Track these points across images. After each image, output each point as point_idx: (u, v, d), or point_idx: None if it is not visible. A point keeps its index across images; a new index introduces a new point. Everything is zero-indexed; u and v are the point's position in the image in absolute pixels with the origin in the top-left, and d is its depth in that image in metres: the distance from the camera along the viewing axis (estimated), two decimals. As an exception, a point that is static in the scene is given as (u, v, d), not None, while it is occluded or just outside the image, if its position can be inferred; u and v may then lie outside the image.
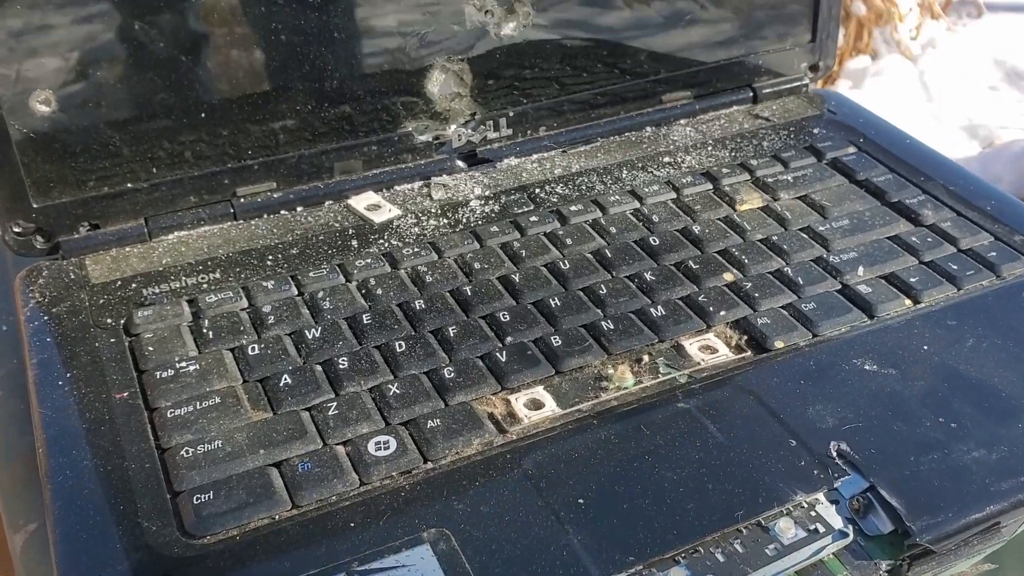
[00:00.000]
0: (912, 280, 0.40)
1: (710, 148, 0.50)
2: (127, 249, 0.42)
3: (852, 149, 0.50)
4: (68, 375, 0.35)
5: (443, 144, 0.47)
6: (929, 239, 0.43)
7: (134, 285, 0.40)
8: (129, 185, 0.42)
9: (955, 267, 0.41)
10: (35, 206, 0.40)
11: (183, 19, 0.40)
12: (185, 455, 0.32)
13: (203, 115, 0.42)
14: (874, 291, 0.40)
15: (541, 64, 0.48)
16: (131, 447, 0.32)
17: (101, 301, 0.39)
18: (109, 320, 0.38)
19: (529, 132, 0.49)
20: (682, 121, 0.52)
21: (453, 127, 0.47)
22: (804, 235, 0.43)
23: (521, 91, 0.48)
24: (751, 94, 0.53)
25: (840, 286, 0.40)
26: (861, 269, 0.41)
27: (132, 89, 0.40)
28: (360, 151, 0.46)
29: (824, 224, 0.44)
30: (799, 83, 0.54)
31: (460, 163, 0.48)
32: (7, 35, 0.37)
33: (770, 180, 0.47)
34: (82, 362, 0.36)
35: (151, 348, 0.36)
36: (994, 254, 0.42)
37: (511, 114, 0.48)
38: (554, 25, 0.47)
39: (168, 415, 0.34)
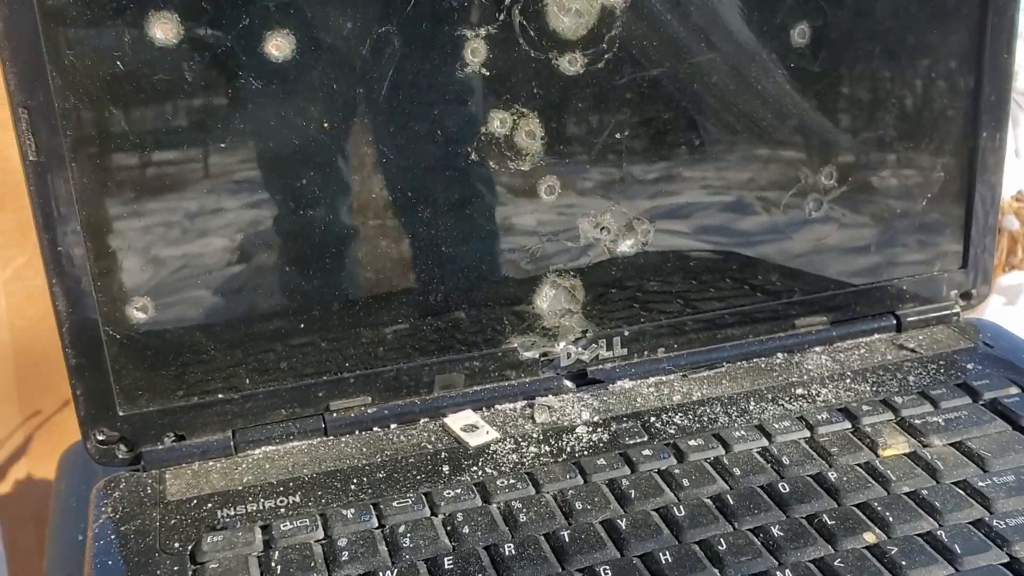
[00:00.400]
0: (1101, 558, 0.34)
1: (848, 381, 0.45)
2: (210, 463, 0.40)
3: (1014, 390, 0.44)
4: (120, 606, 0.32)
5: (551, 362, 0.44)
6: (1118, 506, 0.36)
7: (210, 505, 0.37)
8: (220, 396, 0.40)
9: None
10: (121, 414, 0.39)
11: (285, 232, 0.39)
12: None
13: (301, 325, 0.40)
14: (1053, 570, 0.33)
15: (661, 281, 0.45)
16: None
17: (172, 521, 0.36)
18: (177, 544, 0.35)
19: (646, 353, 0.45)
20: (817, 348, 0.47)
21: (562, 344, 0.44)
22: (960, 491, 0.37)
23: (638, 309, 0.45)
24: (894, 322, 0.49)
25: (1007, 559, 0.34)
26: (1033, 539, 0.35)
27: (230, 299, 0.39)
28: (461, 366, 0.43)
29: (984, 479, 0.38)
30: (949, 311, 0.49)
31: (568, 383, 0.44)
32: (111, 241, 0.37)
33: (917, 422, 0.41)
34: (138, 591, 0.33)
35: (213, 582, 0.33)
36: None
37: (626, 333, 0.45)
38: (676, 241, 0.45)
39: (216, 667, 0.30)
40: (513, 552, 0.34)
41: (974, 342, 0.48)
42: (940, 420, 0.41)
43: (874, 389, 0.44)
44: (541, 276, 0.43)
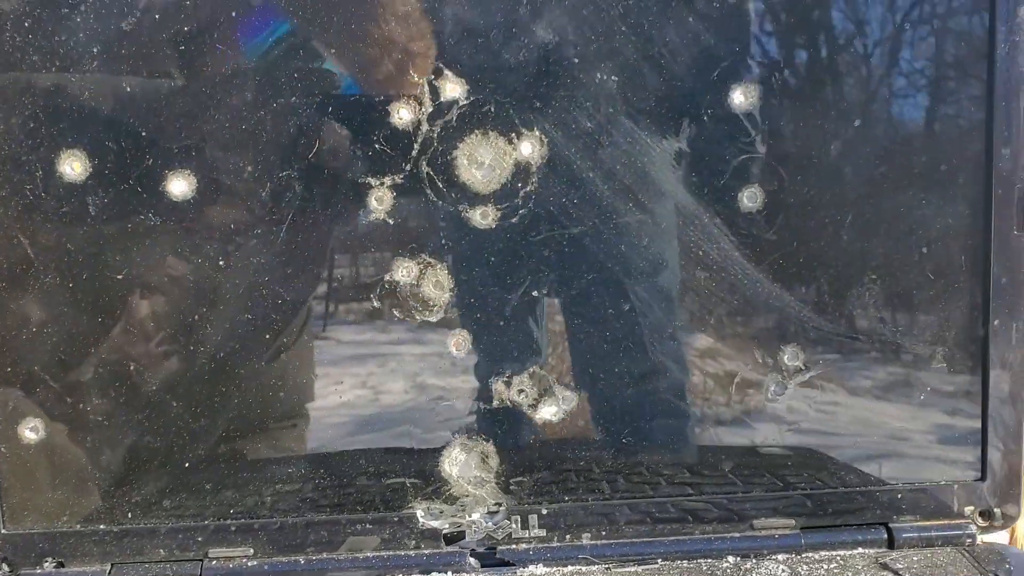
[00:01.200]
0: None
1: (796, 598, 0.38)
2: (79, 595, 0.39)
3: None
4: None
5: (457, 536, 0.40)
6: None
7: (46, 638, 0.36)
8: (102, 527, 0.40)
9: None
10: (4, 532, 0.39)
11: (176, 367, 0.39)
12: None
13: (187, 464, 0.39)
14: None
15: (589, 456, 0.41)
16: None
17: (4, 649, 0.36)
18: (-11, 674, 0.34)
19: (567, 537, 0.41)
20: (779, 556, 0.41)
21: (472, 516, 0.40)
22: None
23: (561, 485, 0.41)
24: (885, 536, 0.41)
25: None
26: None
27: (116, 433, 0.39)
28: (356, 528, 0.40)
29: None
30: (961, 532, 0.41)
31: (472, 561, 0.40)
32: (7, 362, 0.38)
33: (853, 660, 0.34)
34: None
35: None
36: None
37: (544, 511, 0.40)
38: (608, 411, 0.40)
39: None
40: None
41: (985, 573, 0.39)
42: (884, 663, 0.34)
43: (822, 614, 0.37)
44: (450, 439, 0.40)
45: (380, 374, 0.40)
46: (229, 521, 0.40)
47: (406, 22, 0.37)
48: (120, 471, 0.40)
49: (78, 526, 0.40)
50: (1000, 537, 0.42)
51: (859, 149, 0.39)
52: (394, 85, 0.38)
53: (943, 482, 0.41)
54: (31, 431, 0.39)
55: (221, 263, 0.39)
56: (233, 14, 0.37)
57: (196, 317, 0.39)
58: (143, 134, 0.38)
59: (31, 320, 0.38)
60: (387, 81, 0.38)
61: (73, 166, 0.38)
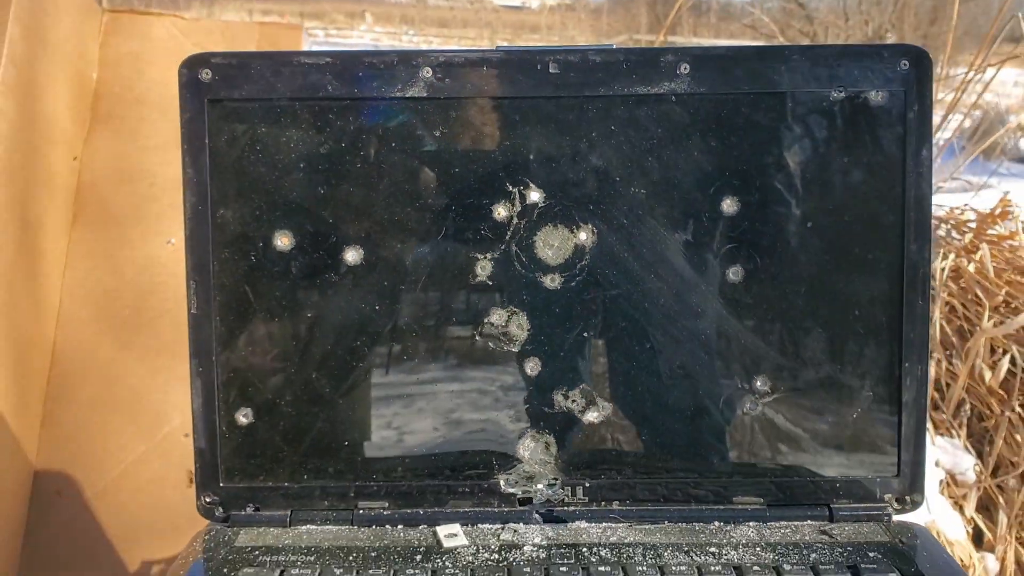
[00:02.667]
0: None
1: (758, 549, 0.55)
2: (271, 530, 0.58)
3: (894, 574, 0.52)
4: (176, 596, 0.50)
5: (527, 500, 0.58)
6: (906, 663, 0.44)
7: (256, 553, 0.55)
8: (287, 484, 0.58)
9: None
10: (222, 485, 0.58)
11: (346, 382, 0.58)
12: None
13: (347, 443, 0.58)
14: None
15: (618, 448, 0.58)
16: (175, 648, 0.46)
17: (231, 558, 0.54)
18: (226, 570, 0.53)
19: (603, 503, 0.58)
20: (751, 523, 0.58)
21: (537, 486, 0.58)
22: (784, 632, 0.47)
23: (599, 467, 0.59)
24: (827, 512, 0.58)
25: None
26: (812, 670, 0.44)
27: (302, 421, 0.58)
28: (458, 492, 0.58)
29: (811, 628, 0.47)
30: (881, 512, 0.58)
31: (537, 517, 0.58)
32: (233, 368, 0.58)
33: (790, 583, 0.51)
34: (190, 591, 0.51)
35: (234, 592, 0.50)
36: None
37: (587, 485, 0.58)
38: (632, 418, 0.58)
39: (210, 635, 0.47)
40: (427, 610, 0.49)
41: (892, 539, 0.56)
42: (810, 585, 0.51)
43: (775, 557, 0.54)
44: (524, 432, 0.58)
45: (478, 389, 0.58)
46: (372, 483, 0.58)
47: (508, 152, 0.56)
48: (300, 446, 0.58)
49: (270, 483, 0.58)
50: (910, 517, 0.59)
51: (811, 243, 0.57)
52: (497, 193, 0.57)
53: (869, 476, 0.59)
54: (244, 417, 0.58)
55: (377, 308, 0.58)
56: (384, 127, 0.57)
57: (358, 344, 0.58)
58: (330, 220, 0.57)
59: (250, 344, 0.58)
60: (492, 189, 0.57)
61: (283, 240, 0.57)
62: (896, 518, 0.59)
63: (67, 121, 1.04)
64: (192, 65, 0.56)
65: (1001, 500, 1.34)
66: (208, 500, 0.58)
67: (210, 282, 0.57)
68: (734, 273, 0.57)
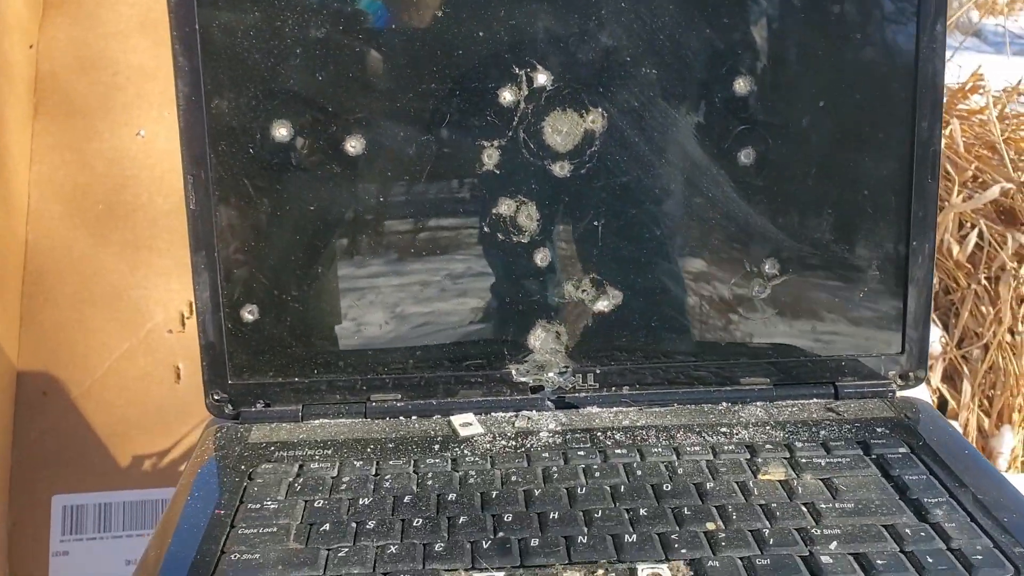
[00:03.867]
0: (880, 563, 0.44)
1: (768, 427, 0.56)
2: (283, 425, 0.57)
3: (903, 449, 0.53)
4: (199, 493, 0.50)
5: (539, 388, 0.59)
6: (923, 533, 0.46)
7: (272, 448, 0.55)
8: (296, 379, 0.58)
9: (931, 560, 0.44)
10: (230, 382, 0.57)
11: (353, 267, 0.57)
12: (232, 559, 0.45)
13: (358, 336, 0.58)
14: (835, 563, 0.44)
15: (628, 334, 0.59)
16: (206, 546, 0.46)
17: (246, 454, 0.54)
18: (243, 467, 0.53)
19: (613, 388, 0.59)
20: (758, 403, 0.59)
21: (548, 374, 0.59)
22: (803, 508, 0.48)
23: (609, 354, 0.59)
24: (833, 390, 0.59)
25: (807, 554, 0.45)
26: (834, 544, 0.45)
27: (309, 314, 0.57)
28: (471, 382, 0.58)
29: (829, 503, 0.48)
30: (885, 388, 0.59)
31: (549, 403, 0.59)
32: (236, 264, 0.56)
33: (803, 460, 0.52)
34: (214, 485, 0.51)
35: (255, 489, 0.50)
36: (980, 558, 0.44)
37: (598, 371, 0.59)
38: (640, 305, 0.58)
39: (239, 532, 0.47)
40: (453, 499, 0.49)
41: (899, 416, 0.57)
42: (823, 462, 0.52)
43: (785, 435, 0.55)
44: (535, 322, 0.58)
45: (487, 280, 0.58)
46: (384, 376, 0.58)
47: (514, 32, 0.54)
48: (309, 341, 0.58)
49: (280, 379, 0.58)
50: (913, 393, 0.60)
51: (823, 124, 0.57)
52: (503, 75, 0.55)
53: (874, 354, 0.60)
54: (249, 314, 0.57)
55: (381, 199, 0.56)
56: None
57: (362, 236, 0.56)
58: (330, 109, 0.55)
59: (253, 237, 0.56)
60: (498, 72, 0.55)
61: (281, 131, 0.55)
62: (900, 393, 0.60)
63: (19, 5, 0.99)
64: (176, -56, 0.52)
65: (965, 370, 1.38)
66: (217, 397, 0.58)
67: (208, 176, 0.55)
68: (745, 156, 0.57)
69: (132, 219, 1.00)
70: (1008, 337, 1.37)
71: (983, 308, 1.39)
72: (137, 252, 0.99)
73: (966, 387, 1.38)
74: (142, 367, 0.97)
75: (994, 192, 1.42)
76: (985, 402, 1.40)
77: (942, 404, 1.36)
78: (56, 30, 1.03)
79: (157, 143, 1.01)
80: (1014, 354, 1.37)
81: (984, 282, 1.39)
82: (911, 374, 0.60)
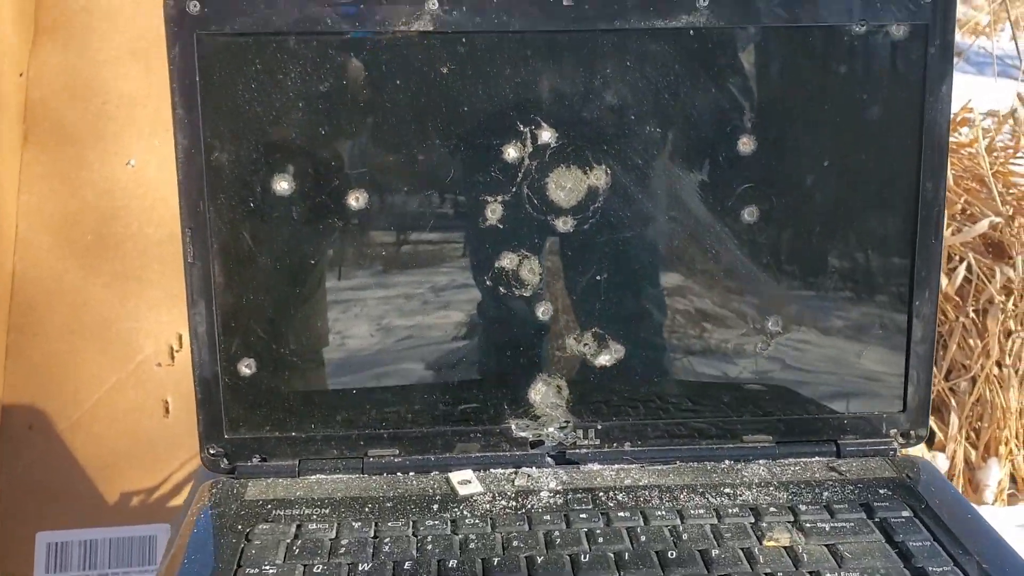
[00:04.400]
0: (887, 638, 0.43)
1: (772, 488, 0.56)
2: (279, 480, 0.56)
3: (907, 513, 0.53)
4: (196, 555, 0.49)
5: (539, 443, 0.58)
6: (929, 606, 0.46)
7: (269, 507, 0.54)
8: (294, 434, 0.57)
9: (938, 636, 0.44)
10: (226, 436, 0.57)
11: (353, 321, 0.56)
12: (231, 630, 0.44)
13: (355, 391, 0.57)
14: (842, 639, 0.43)
15: (630, 390, 0.58)
16: (203, 616, 0.45)
17: (243, 513, 0.53)
18: (240, 527, 0.52)
19: (615, 445, 0.58)
20: (761, 461, 0.58)
21: (549, 429, 0.58)
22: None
23: (611, 409, 0.58)
24: (835, 448, 0.59)
25: (814, 628, 0.44)
26: (841, 617, 0.45)
27: (306, 368, 0.56)
28: (469, 436, 0.58)
29: (834, 572, 0.48)
30: (886, 447, 0.59)
31: (549, 460, 0.58)
32: (234, 317, 0.55)
33: (808, 525, 0.52)
34: (210, 547, 0.50)
35: (253, 552, 0.49)
36: (988, 634, 0.44)
37: (599, 427, 0.58)
38: (643, 360, 0.58)
39: (237, 600, 0.46)
40: (455, 565, 0.48)
41: (900, 475, 0.57)
42: (827, 527, 0.52)
43: (789, 496, 0.55)
44: (536, 376, 0.58)
45: (489, 334, 0.57)
46: (382, 431, 0.57)
47: (519, 90, 0.54)
48: (306, 395, 0.57)
49: (276, 433, 0.57)
50: (914, 451, 0.60)
51: (827, 182, 0.56)
52: (507, 132, 0.54)
53: (876, 412, 0.59)
54: (247, 368, 0.56)
55: (383, 253, 0.55)
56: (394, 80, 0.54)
57: (362, 290, 0.56)
58: (332, 163, 0.54)
59: (250, 291, 0.55)
60: (502, 128, 0.54)
61: (282, 185, 0.54)
62: (901, 451, 0.60)
63: (10, 33, 0.97)
64: (179, -4, 0.52)
65: (953, 402, 1.38)
66: (212, 452, 0.57)
67: (206, 229, 0.54)
68: (749, 213, 0.56)
69: (122, 249, 0.98)
70: (995, 370, 1.38)
71: (971, 341, 1.39)
72: (127, 283, 0.98)
73: (953, 419, 1.39)
74: (131, 400, 0.96)
75: (983, 226, 1.42)
76: (972, 434, 1.40)
77: (930, 436, 1.36)
78: (47, 57, 1.01)
79: (147, 172, 1.00)
80: (1001, 387, 1.38)
81: (972, 315, 1.40)
82: (912, 432, 0.59)
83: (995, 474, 1.37)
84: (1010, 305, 1.39)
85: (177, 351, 0.96)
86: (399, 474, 0.57)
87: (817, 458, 0.59)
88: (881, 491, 0.55)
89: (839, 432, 0.59)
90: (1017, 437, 1.39)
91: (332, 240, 0.55)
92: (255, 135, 0.54)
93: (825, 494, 0.55)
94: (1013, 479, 1.40)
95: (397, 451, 0.57)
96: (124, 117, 1.01)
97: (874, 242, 0.57)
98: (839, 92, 0.56)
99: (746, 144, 0.56)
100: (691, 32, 0.54)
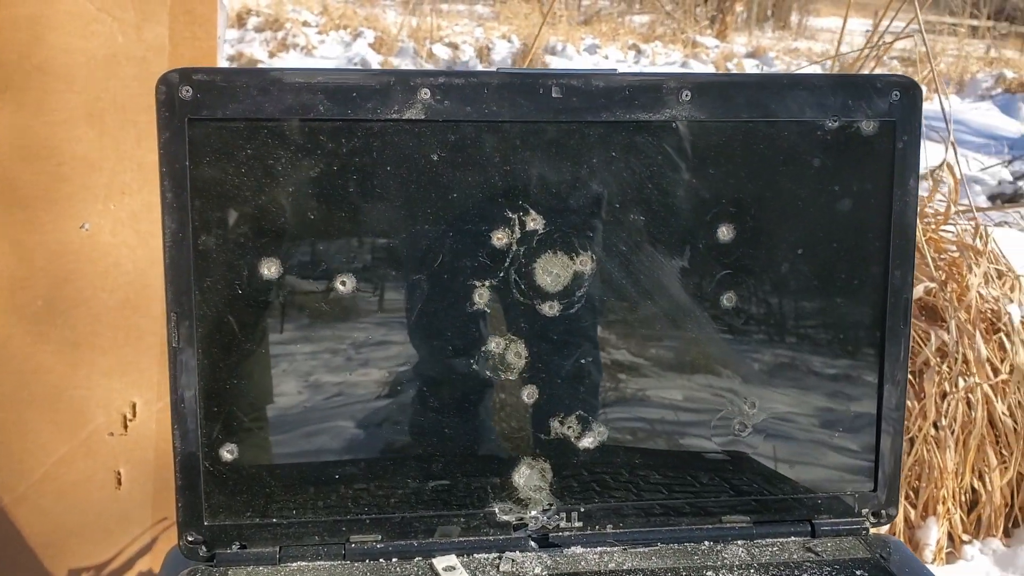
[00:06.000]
0: None
1: (752, 571, 0.57)
2: (260, 568, 0.55)
3: (884, 595, 0.55)
4: (178, 655, 0.48)
5: (522, 526, 0.58)
6: None
7: (252, 596, 0.53)
8: (275, 520, 0.56)
9: None
10: (206, 524, 0.55)
11: (335, 407, 0.56)
12: None
13: (337, 475, 0.56)
14: None
15: (612, 472, 0.59)
16: None
17: (225, 604, 0.52)
18: (223, 619, 0.51)
19: (597, 527, 0.59)
20: (739, 541, 0.59)
21: (532, 512, 0.58)
22: (798, 664, 0.49)
23: (594, 492, 0.59)
24: (810, 528, 0.60)
25: None
26: None
27: (289, 455, 0.56)
28: (452, 520, 0.57)
29: (821, 658, 0.49)
30: (859, 526, 0.61)
31: (533, 544, 0.58)
32: (216, 404, 0.54)
33: (791, 608, 0.53)
34: (192, 647, 0.48)
35: (240, 647, 0.48)
36: None
37: (582, 510, 0.58)
38: (625, 442, 0.59)
39: None
40: (447, 658, 0.48)
41: (873, 555, 0.59)
42: (810, 610, 0.53)
43: (770, 579, 0.56)
44: (520, 459, 0.58)
45: (473, 418, 0.57)
46: (363, 516, 0.57)
47: (508, 177, 0.55)
48: (287, 481, 0.56)
49: (257, 519, 0.56)
50: (885, 529, 0.62)
51: (800, 269, 0.58)
52: (496, 219, 0.55)
53: (848, 492, 0.61)
54: (228, 453, 0.55)
55: (369, 338, 0.55)
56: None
57: (346, 377, 0.56)
58: (320, 248, 0.54)
59: (235, 375, 0.55)
60: (491, 215, 0.55)
61: (269, 269, 0.54)
62: (873, 530, 0.61)
63: (-39, 93, 0.95)
64: (170, 82, 0.52)
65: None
66: (191, 539, 0.55)
67: (192, 313, 0.53)
68: (728, 299, 0.58)
69: (73, 315, 0.96)
70: (932, 431, 1.42)
71: (909, 402, 1.43)
72: (78, 350, 0.95)
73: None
74: (81, 471, 0.93)
75: (918, 291, 1.48)
76: (911, 494, 1.44)
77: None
78: (0, 116, 0.99)
79: (102, 236, 0.98)
80: (938, 447, 1.42)
81: (909, 377, 1.44)
82: (883, 512, 0.61)
83: (934, 533, 1.41)
84: (945, 367, 1.44)
85: (131, 420, 0.94)
86: (382, 560, 0.57)
87: (793, 538, 0.60)
88: (857, 572, 0.57)
89: (813, 512, 0.61)
90: (954, 497, 1.43)
91: (319, 324, 0.55)
92: (243, 220, 0.53)
93: (804, 575, 0.56)
94: (951, 537, 1.44)
95: (379, 536, 0.57)
96: (79, 180, 0.99)
97: (846, 327, 0.59)
98: (813, 184, 0.58)
99: (724, 232, 0.57)
100: (674, 125, 0.56)
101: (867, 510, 0.61)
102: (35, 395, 0.93)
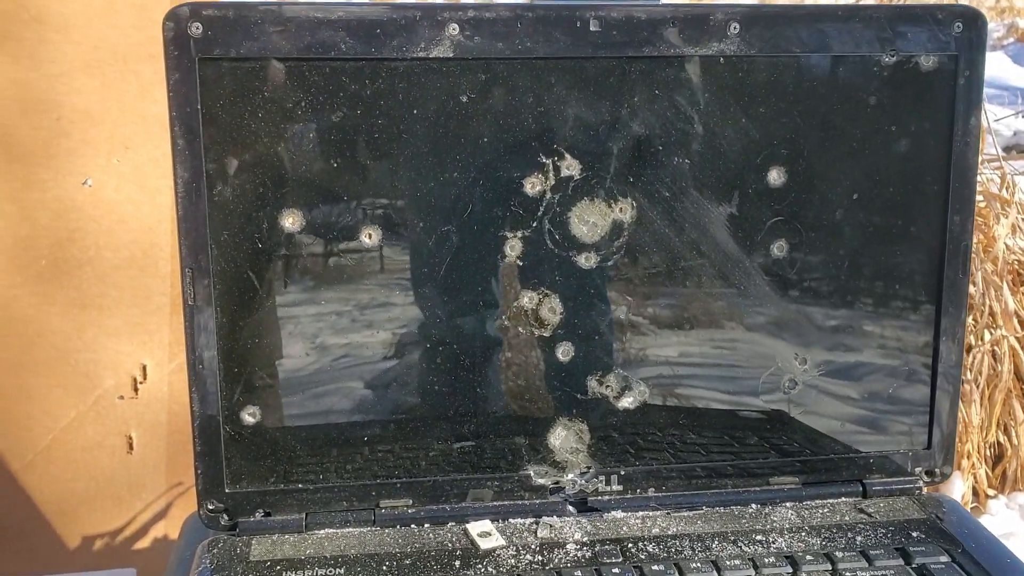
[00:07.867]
0: None
1: (803, 534, 0.54)
2: (286, 536, 0.52)
3: (944, 558, 0.52)
4: (203, 631, 0.45)
5: (559, 489, 0.55)
6: (988, 662, 0.44)
7: (278, 568, 0.50)
8: (300, 486, 0.53)
9: None
10: (227, 491, 0.52)
11: (362, 366, 0.52)
12: None
13: (365, 438, 0.53)
14: None
15: (654, 433, 0.56)
16: None
17: (250, 575, 0.49)
18: (249, 592, 0.48)
19: (638, 491, 0.56)
20: (788, 504, 0.56)
21: (569, 476, 0.55)
22: (860, 634, 0.46)
23: (633, 453, 0.56)
24: (860, 489, 0.57)
25: None
26: None
27: (314, 415, 0.53)
28: (486, 484, 0.55)
29: (885, 627, 0.46)
30: (912, 486, 0.58)
31: (571, 508, 0.55)
32: (237, 364, 0.51)
33: (847, 574, 0.50)
34: (217, 622, 0.46)
35: (269, 622, 0.46)
36: None
37: (622, 472, 0.55)
38: (668, 402, 0.55)
39: None
40: (489, 631, 0.45)
41: (928, 515, 0.56)
42: (867, 575, 0.50)
43: (823, 543, 0.53)
44: (555, 420, 0.55)
45: (506, 376, 0.54)
46: (394, 480, 0.54)
47: (542, 119, 0.51)
48: (313, 444, 0.53)
49: (281, 485, 0.53)
50: (941, 488, 0.59)
51: (855, 216, 0.55)
52: (529, 164, 0.52)
53: (901, 450, 0.58)
54: (250, 416, 0.52)
55: (397, 293, 0.52)
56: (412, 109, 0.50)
57: (372, 333, 0.52)
58: (344, 197, 0.51)
59: (256, 334, 0.51)
60: (524, 160, 0.52)
61: (290, 221, 0.50)
62: (927, 489, 0.58)
63: (-45, 44, 0.91)
64: (178, 18, 0.48)
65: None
66: (212, 508, 0.52)
67: (209, 269, 0.50)
68: (778, 248, 0.54)
69: (78, 275, 0.93)
70: (957, 384, 1.39)
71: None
72: (84, 311, 0.92)
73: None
74: (91, 437, 0.90)
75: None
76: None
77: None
78: (-5, 69, 0.95)
79: (105, 193, 0.94)
80: (963, 401, 1.39)
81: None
82: (937, 470, 0.58)
83: (959, 488, 1.38)
84: (971, 320, 1.41)
85: (141, 383, 0.91)
86: (413, 526, 0.54)
87: (844, 499, 0.57)
88: (914, 534, 0.54)
89: (865, 471, 0.58)
90: (979, 451, 1.41)
91: (343, 278, 0.51)
92: (261, 168, 0.50)
93: (858, 539, 0.53)
94: (976, 492, 1.42)
95: (410, 500, 0.54)
96: (79, 134, 0.95)
97: (902, 276, 0.56)
98: (868, 123, 0.54)
99: (775, 177, 0.54)
100: (721, 60, 0.52)
101: (920, 469, 0.58)
102: (41, 359, 0.90)
